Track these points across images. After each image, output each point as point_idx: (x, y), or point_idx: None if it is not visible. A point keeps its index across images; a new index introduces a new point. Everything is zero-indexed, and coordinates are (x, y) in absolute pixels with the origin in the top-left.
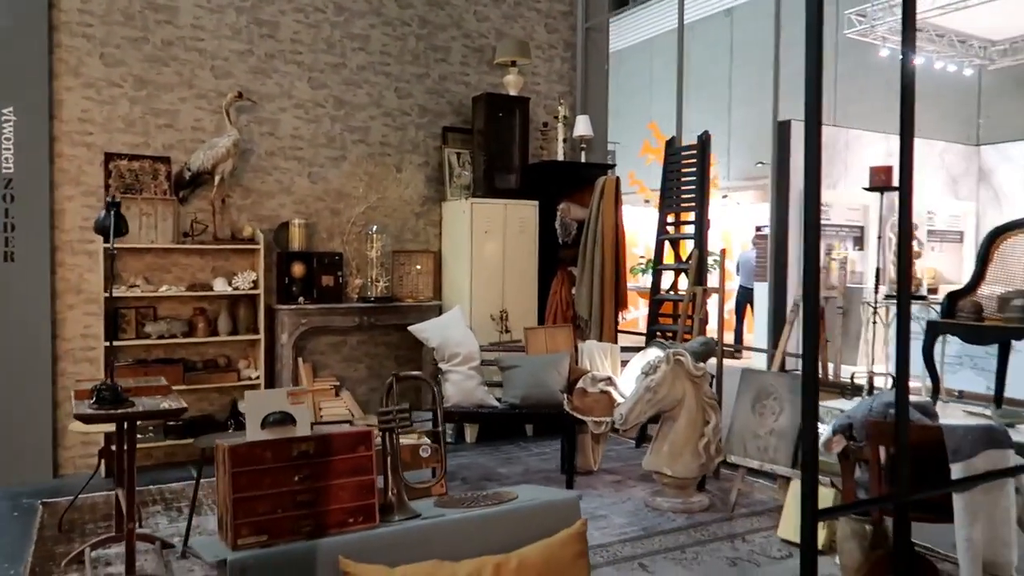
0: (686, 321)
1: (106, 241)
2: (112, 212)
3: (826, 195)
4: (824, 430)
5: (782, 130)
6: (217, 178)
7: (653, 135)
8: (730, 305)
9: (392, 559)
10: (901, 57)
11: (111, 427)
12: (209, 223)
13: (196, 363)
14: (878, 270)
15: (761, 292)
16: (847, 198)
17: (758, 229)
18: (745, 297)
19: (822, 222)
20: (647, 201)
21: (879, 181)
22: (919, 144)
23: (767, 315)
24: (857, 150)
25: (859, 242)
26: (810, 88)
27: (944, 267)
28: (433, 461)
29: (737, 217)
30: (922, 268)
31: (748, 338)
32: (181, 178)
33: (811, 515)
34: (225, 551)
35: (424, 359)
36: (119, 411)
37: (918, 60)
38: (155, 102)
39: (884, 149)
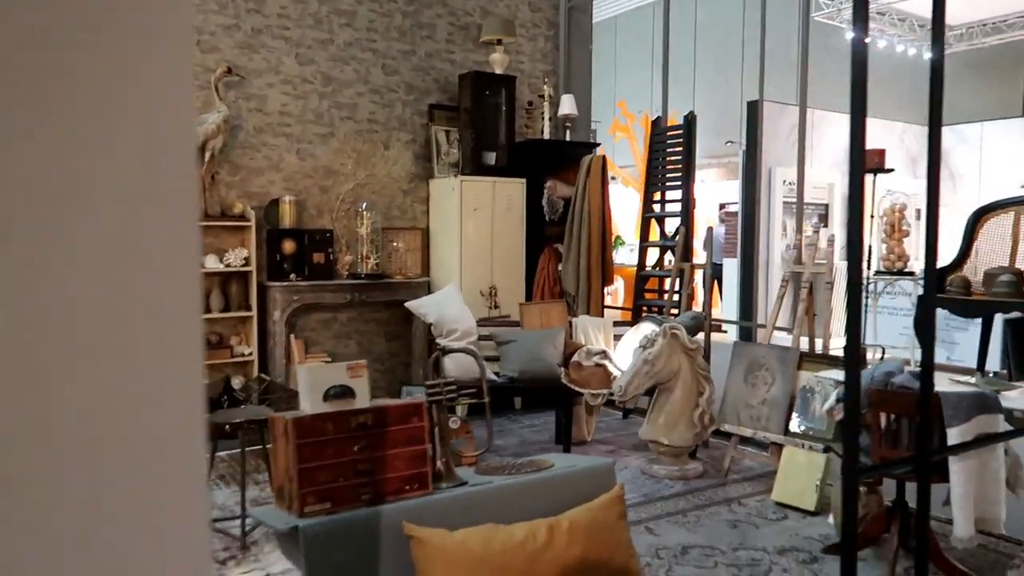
0: (672, 296)
1: None
2: None
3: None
4: (818, 399)
5: (751, 110)
6: (207, 154)
7: (621, 112)
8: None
9: (447, 523)
10: (931, 54)
11: None
12: (199, 199)
13: None
14: (869, 248)
15: (730, 268)
16: (813, 177)
17: (722, 207)
18: (712, 272)
19: (786, 200)
20: (614, 178)
21: (871, 163)
22: (879, 124)
23: (737, 290)
24: (821, 129)
25: (824, 219)
26: (856, 82)
27: None
28: (462, 432)
29: (702, 195)
30: (912, 246)
31: (715, 312)
32: None
33: (850, 474)
34: (293, 519)
35: (414, 335)
36: None
37: (880, 43)
38: None
39: (848, 130)
